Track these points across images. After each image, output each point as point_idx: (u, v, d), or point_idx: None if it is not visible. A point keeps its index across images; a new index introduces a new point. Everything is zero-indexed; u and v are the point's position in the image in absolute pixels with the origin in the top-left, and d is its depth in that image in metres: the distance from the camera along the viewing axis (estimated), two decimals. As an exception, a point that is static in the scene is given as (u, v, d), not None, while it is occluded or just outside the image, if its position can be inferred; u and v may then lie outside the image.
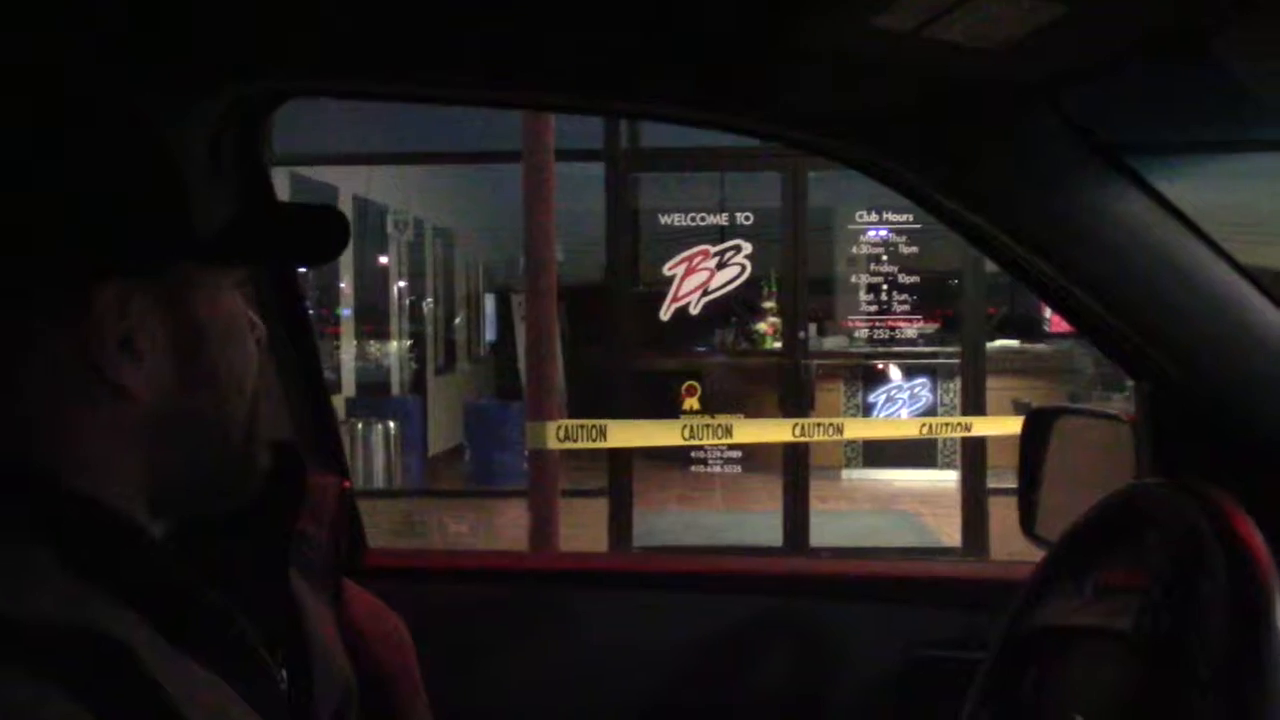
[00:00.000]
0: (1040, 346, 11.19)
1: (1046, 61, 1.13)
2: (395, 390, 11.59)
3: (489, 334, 14.38)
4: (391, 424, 9.63)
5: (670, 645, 1.71)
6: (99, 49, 1.16)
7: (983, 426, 6.84)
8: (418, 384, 11.81)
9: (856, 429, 7.88)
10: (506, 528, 7.53)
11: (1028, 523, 1.53)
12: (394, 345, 11.90)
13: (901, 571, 1.86)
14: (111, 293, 0.77)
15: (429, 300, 12.56)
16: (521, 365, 11.51)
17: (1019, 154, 1.22)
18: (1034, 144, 1.21)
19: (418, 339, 12.21)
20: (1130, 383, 1.37)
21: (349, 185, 10.10)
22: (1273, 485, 1.19)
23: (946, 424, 6.95)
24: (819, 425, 6.39)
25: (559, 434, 5.38)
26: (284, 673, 0.87)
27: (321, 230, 0.90)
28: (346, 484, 1.18)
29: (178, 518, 0.85)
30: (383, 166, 9.61)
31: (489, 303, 14.39)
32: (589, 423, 5.59)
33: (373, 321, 11.83)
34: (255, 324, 0.91)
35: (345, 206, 10.29)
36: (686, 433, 6.19)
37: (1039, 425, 1.57)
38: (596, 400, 7.73)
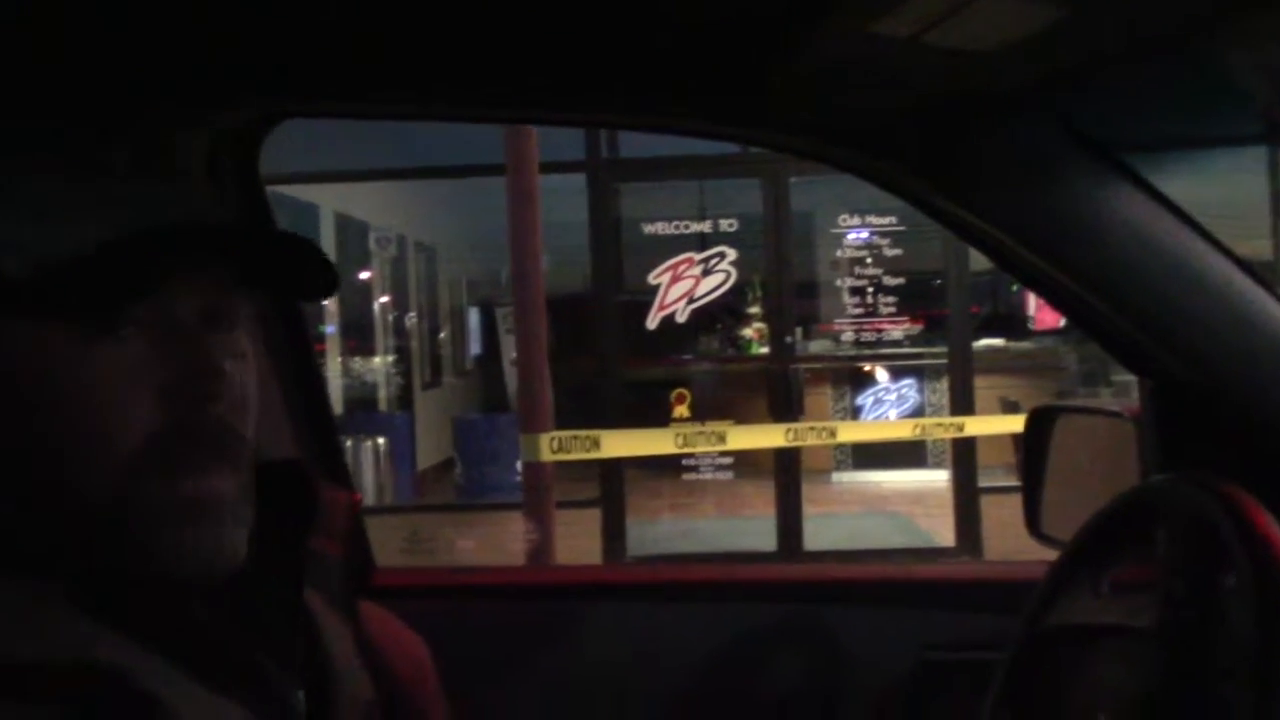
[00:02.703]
0: (1025, 344, 11.24)
1: (1044, 64, 1.14)
2: (383, 406, 11.56)
3: (474, 348, 14.36)
4: (380, 440, 9.60)
5: (683, 655, 1.71)
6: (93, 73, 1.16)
7: (975, 426, 6.86)
8: (405, 399, 11.79)
9: (850, 432, 7.90)
10: (501, 541, 7.51)
11: (1033, 522, 1.54)
12: (379, 361, 11.87)
13: (910, 574, 1.86)
14: None
15: (413, 315, 12.54)
16: (507, 378, 11.54)
17: (1017, 156, 1.23)
18: (1031, 145, 1.22)
19: (403, 354, 12.18)
20: (1115, 378, 1.38)
21: (330, 203, 10.08)
22: (1277, 477, 1.20)
23: (939, 424, 6.97)
24: (812, 429, 6.40)
25: (552, 446, 5.38)
26: (301, 695, 0.87)
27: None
28: (356, 497, 1.16)
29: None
30: (364, 183, 9.58)
31: (473, 316, 14.37)
32: (582, 433, 5.58)
33: (357, 338, 11.80)
34: (199, 376, 0.79)
35: (327, 224, 10.28)
36: (680, 441, 6.19)
37: (1041, 424, 1.57)
38: (583, 411, 7.73)
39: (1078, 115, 1.22)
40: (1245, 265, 1.24)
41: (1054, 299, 1.38)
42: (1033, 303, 11.97)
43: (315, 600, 0.95)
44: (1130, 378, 1.39)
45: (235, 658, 0.80)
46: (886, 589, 1.77)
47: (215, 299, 0.80)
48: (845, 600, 1.75)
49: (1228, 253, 1.24)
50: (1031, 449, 1.56)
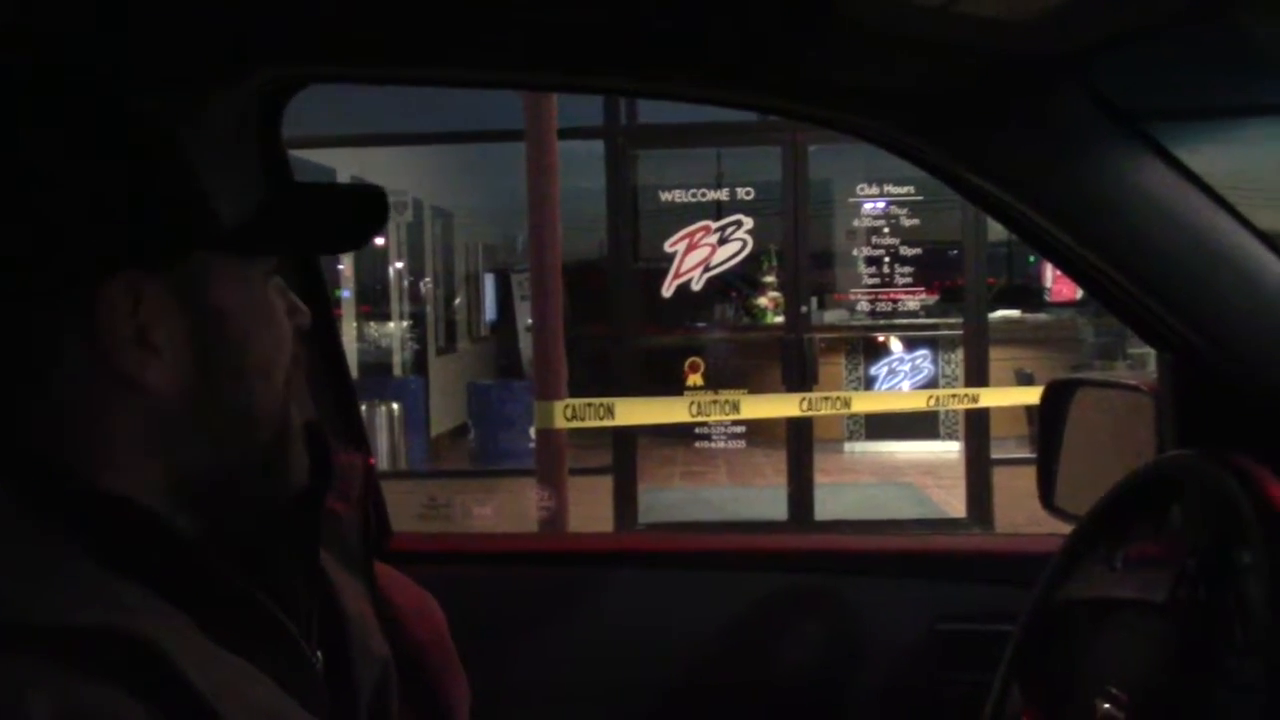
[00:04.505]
0: (1041, 316, 11.22)
1: (1075, 33, 1.13)
2: (397, 371, 11.59)
3: (489, 313, 14.38)
4: (394, 405, 9.63)
5: (697, 622, 1.72)
6: (116, 36, 1.16)
7: (989, 398, 6.84)
8: (419, 365, 11.81)
9: (863, 403, 7.89)
10: (514, 507, 7.54)
11: (1047, 495, 1.53)
12: (394, 326, 11.90)
13: (924, 546, 1.86)
14: (121, 287, 0.75)
15: (428, 280, 12.55)
16: (522, 344, 11.55)
17: (1040, 125, 1.22)
18: (1058, 116, 1.21)
19: (418, 320, 12.21)
20: (1132, 350, 1.38)
21: (346, 167, 10.06)
22: None
23: (954, 395, 6.94)
24: (825, 399, 6.39)
25: (567, 413, 5.39)
26: (319, 654, 0.88)
27: (352, 213, 0.89)
28: (371, 461, 1.17)
29: (212, 509, 0.84)
30: (380, 148, 9.56)
31: (489, 282, 14.38)
32: (596, 401, 5.59)
33: (372, 303, 11.82)
34: (297, 309, 0.91)
35: (343, 188, 10.24)
36: (694, 409, 6.19)
37: (1057, 397, 1.56)
38: (597, 378, 7.74)
39: (1104, 84, 1.21)
40: (1268, 239, 1.23)
41: (1073, 271, 1.37)
42: (1050, 274, 11.93)
43: (332, 562, 0.97)
44: (1147, 351, 1.39)
45: (255, 618, 0.81)
46: (898, 560, 1.78)
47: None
48: (857, 571, 1.75)
49: (1250, 226, 1.22)
50: (1047, 422, 1.55)
